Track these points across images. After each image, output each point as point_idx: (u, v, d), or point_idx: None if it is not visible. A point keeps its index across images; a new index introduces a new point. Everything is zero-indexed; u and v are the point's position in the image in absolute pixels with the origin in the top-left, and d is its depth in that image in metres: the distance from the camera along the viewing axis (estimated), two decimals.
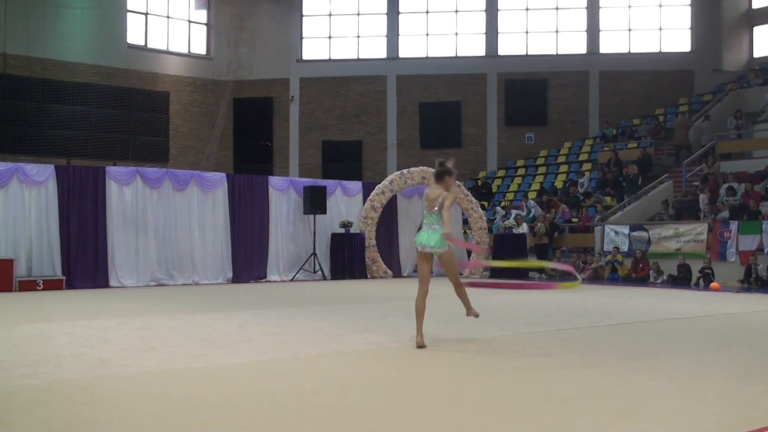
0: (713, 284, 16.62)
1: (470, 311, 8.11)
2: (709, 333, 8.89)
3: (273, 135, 32.22)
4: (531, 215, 23.14)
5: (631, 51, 31.72)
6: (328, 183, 20.28)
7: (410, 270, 21.50)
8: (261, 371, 6.21)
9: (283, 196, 19.38)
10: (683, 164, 23.60)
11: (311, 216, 19.35)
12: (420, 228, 7.88)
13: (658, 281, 18.46)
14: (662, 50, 31.66)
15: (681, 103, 30.33)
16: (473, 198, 21.77)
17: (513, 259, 20.20)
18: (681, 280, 18.17)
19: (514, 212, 23.11)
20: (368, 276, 19.91)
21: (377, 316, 10.33)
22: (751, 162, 23.18)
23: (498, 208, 24.81)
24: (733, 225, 18.47)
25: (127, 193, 16.99)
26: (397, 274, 20.85)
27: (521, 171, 30.66)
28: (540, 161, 30.83)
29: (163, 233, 17.40)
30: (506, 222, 21.52)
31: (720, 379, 5.96)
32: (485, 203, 25.86)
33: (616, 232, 20.58)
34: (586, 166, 27.80)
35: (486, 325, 9.38)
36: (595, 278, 19.70)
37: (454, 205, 21.55)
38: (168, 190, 17.54)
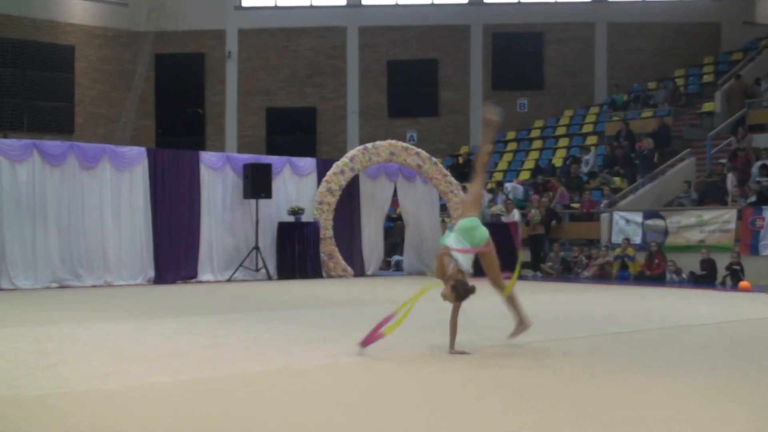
0: (743, 283, 16.90)
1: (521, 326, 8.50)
2: (737, 342, 9.03)
3: (205, 101, 32.02)
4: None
5: None
6: (274, 160, 20.23)
7: (375, 267, 21.56)
8: (189, 393, 6.18)
9: (217, 177, 19.29)
10: (707, 137, 23.92)
11: (253, 201, 19.29)
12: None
13: (677, 280, 18.71)
14: None
15: (705, 63, 30.74)
16: (453, 179, 21.86)
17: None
18: (704, 278, 18.45)
19: (501, 194, 23.26)
20: (324, 275, 19.93)
21: (335, 324, 10.34)
22: None
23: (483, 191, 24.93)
24: (767, 211, 18.76)
25: (21, 172, 16.78)
26: (360, 272, 20.89)
27: (512, 145, 30.88)
28: (535, 133, 31.07)
29: (68, 223, 17.24)
30: (493, 208, 21.62)
31: (750, 397, 6.05)
32: (468, 185, 25.93)
33: (627, 221, 20.82)
34: (591, 140, 28.08)
35: (466, 331, 9.42)
36: (602, 276, 19.92)
37: (430, 187, 21.65)
38: (73, 169, 17.37)
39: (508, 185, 24.83)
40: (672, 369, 7.22)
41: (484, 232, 8.22)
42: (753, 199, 19.82)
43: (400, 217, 23.59)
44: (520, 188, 24.76)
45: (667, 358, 7.78)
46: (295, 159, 20.73)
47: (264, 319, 10.94)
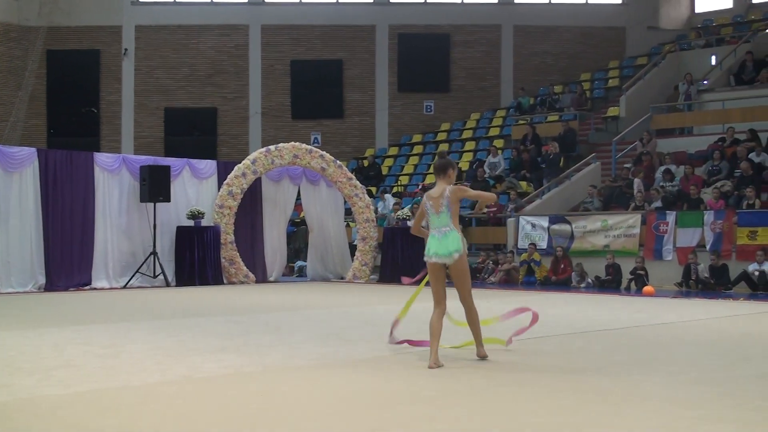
0: (647, 288, 17.37)
1: (481, 350, 8.21)
2: (641, 346, 9.27)
3: (100, 99, 31.42)
4: (386, 211, 23.59)
5: (552, 1, 32.63)
6: (173, 162, 19.99)
7: (278, 273, 21.49)
8: (83, 405, 6.06)
9: (113, 179, 18.97)
10: (612, 142, 24.52)
11: (151, 204, 19.02)
12: (427, 238, 8.11)
13: (582, 285, 19.12)
14: (589, 0, 32.70)
15: (611, 67, 31.50)
16: (358, 182, 21.93)
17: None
18: (609, 283, 18.89)
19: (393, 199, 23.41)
20: (224, 281, 19.79)
21: (236, 333, 10.28)
22: (692, 140, 24.38)
23: (386, 195, 25.10)
24: (671, 216, 19.35)
25: None
26: (262, 278, 20.79)
27: (418, 148, 31.13)
28: (441, 136, 31.38)
29: None
30: (399, 213, 21.76)
31: (654, 402, 6.22)
32: (373, 189, 26.11)
33: (533, 225, 21.19)
34: (498, 143, 28.50)
35: (373, 340, 9.47)
36: (508, 282, 20.22)
37: (335, 191, 21.67)
38: None
39: (387, 196, 24.99)
40: (575, 374, 7.37)
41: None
42: (658, 203, 20.39)
43: (303, 222, 23.54)
44: (389, 200, 24.82)
45: (571, 364, 7.94)
46: (194, 161, 20.51)
47: (162, 328, 10.81)
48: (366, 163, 29.20)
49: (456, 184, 8.17)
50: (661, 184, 21.33)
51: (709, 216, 18.82)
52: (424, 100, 32.40)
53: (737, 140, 22.33)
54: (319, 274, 22.07)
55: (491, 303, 15.36)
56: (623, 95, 27.31)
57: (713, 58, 28.38)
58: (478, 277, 21.21)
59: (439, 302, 8.02)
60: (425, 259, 8.02)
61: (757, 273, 17.50)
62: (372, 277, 21.51)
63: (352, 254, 21.94)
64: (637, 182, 21.62)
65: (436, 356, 7.73)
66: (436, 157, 8.25)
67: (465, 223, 22.74)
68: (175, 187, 19.59)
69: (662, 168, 21.88)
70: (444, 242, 7.86)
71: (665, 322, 11.90)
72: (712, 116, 24.72)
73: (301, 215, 24.10)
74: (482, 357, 8.15)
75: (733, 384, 6.94)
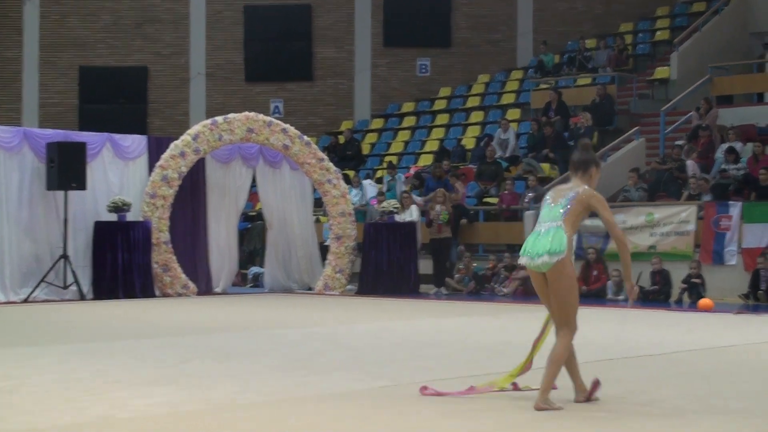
0: (703, 301, 17.39)
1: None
2: (694, 377, 9.31)
3: None
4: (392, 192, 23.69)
5: None
6: (90, 138, 19.93)
7: (227, 283, 21.47)
8: None
9: (11, 160, 18.93)
10: (661, 112, 24.52)
11: (60, 193, 18.97)
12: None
13: (620, 297, 19.17)
14: None
15: (659, 15, 31.49)
16: (331, 165, 21.90)
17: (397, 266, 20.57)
18: (656, 294, 18.92)
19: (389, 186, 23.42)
20: (157, 293, 19.77)
21: (172, 360, 10.27)
22: (763, 110, 24.35)
23: (367, 181, 25.09)
24: (735, 208, 19.38)
25: None
26: (206, 289, 20.79)
27: (409, 120, 31.13)
28: (440, 105, 31.39)
29: None
30: (384, 204, 21.76)
31: None
32: (351, 173, 26.10)
33: None
34: (512, 114, 28.52)
35: (351, 369, 9.49)
36: (525, 294, 20.20)
37: (301, 175, 21.68)
38: None
39: (365, 182, 25.00)
40: (614, 414, 7.41)
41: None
42: (718, 192, 20.41)
43: (260, 216, 23.52)
44: (374, 188, 24.83)
45: (608, 400, 7.97)
46: (118, 137, 20.44)
47: (75, 354, 10.76)
48: (342, 139, 29.16)
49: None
50: (723, 167, 21.39)
51: None
52: (418, 58, 32.38)
53: None
54: (279, 283, 22.04)
55: (502, 320, 15.41)
56: (675, 52, 27.35)
57: None
58: (487, 287, 21.26)
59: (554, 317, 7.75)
60: (522, 261, 7.78)
61: None
62: (349, 287, 21.50)
63: (324, 258, 21.93)
64: (691, 164, 21.69)
65: (581, 384, 7.72)
66: (578, 150, 7.94)
67: (470, 217, 22.78)
68: (93, 171, 19.51)
69: (724, 146, 21.95)
70: (542, 240, 7.56)
71: (726, 345, 11.93)
72: None
73: (257, 207, 24.07)
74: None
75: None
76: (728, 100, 25.55)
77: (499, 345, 11.83)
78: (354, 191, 24.08)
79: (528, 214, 21.86)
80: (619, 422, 7.07)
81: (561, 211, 7.60)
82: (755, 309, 17.34)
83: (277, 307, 18.22)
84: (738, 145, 21.82)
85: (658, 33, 30.63)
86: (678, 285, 18.95)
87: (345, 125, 30.89)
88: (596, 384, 7.79)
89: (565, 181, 8.55)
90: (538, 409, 7.39)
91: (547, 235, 7.54)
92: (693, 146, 22.61)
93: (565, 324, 7.65)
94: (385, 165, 27.03)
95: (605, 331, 13.44)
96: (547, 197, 7.83)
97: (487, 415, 7.35)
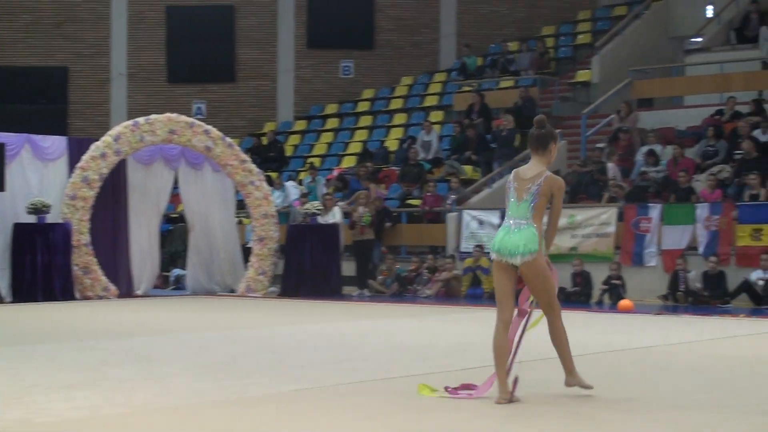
0: (623, 302, 17.60)
1: (573, 378, 8.21)
2: (615, 378, 9.43)
3: None
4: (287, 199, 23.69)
5: None
6: (8, 139, 19.68)
7: (148, 285, 21.33)
8: None
9: None
10: (582, 115, 24.75)
11: None
12: (500, 227, 8.13)
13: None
14: None
15: (581, 19, 31.76)
16: (254, 166, 21.84)
17: (319, 265, 20.56)
18: (576, 296, 19.11)
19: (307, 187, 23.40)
20: (77, 295, 19.56)
21: (92, 363, 10.19)
22: (682, 113, 24.69)
23: (290, 183, 25.04)
24: (655, 211, 19.64)
25: None
26: (127, 291, 20.63)
27: (333, 122, 31.12)
28: (363, 107, 31.40)
29: None
30: (307, 206, 21.75)
31: None
32: (273, 175, 26.03)
33: (481, 222, 21.36)
34: (435, 116, 28.60)
35: (274, 371, 9.48)
36: (448, 295, 20.35)
37: (223, 177, 21.61)
38: None
39: (287, 184, 24.93)
40: (528, 414, 7.48)
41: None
42: (638, 194, 20.62)
43: (182, 218, 23.37)
44: (294, 190, 24.75)
45: (525, 400, 8.04)
46: (37, 137, 20.21)
47: None
48: (265, 141, 29.07)
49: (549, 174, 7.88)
50: (643, 169, 21.64)
51: (702, 210, 19.16)
52: (341, 60, 32.38)
53: (738, 113, 22.74)
54: (202, 285, 21.92)
55: (425, 322, 15.46)
56: (596, 55, 27.64)
57: (709, 9, 28.89)
58: (410, 288, 21.32)
59: (503, 309, 8.00)
60: (491, 255, 8.01)
61: (762, 282, 17.87)
62: (271, 289, 21.44)
63: (246, 260, 21.85)
64: (612, 167, 21.92)
65: (505, 386, 7.77)
66: (534, 126, 8.10)
67: (393, 219, 22.84)
68: (12, 172, 19.27)
69: (645, 149, 22.20)
70: (513, 237, 7.83)
71: (648, 346, 12.10)
72: (707, 83, 25.10)
73: (179, 209, 23.92)
74: (573, 385, 8.17)
75: (735, 418, 7.12)
76: (648, 103, 25.84)
77: (422, 347, 11.86)
78: (277, 193, 23.96)
79: (450, 216, 22.00)
80: (536, 423, 7.14)
81: (529, 207, 7.86)
82: (674, 310, 17.58)
83: (199, 309, 18.13)
84: (658, 148, 22.08)
85: (580, 36, 30.90)
86: (599, 286, 19.15)
87: (268, 127, 30.80)
88: (514, 382, 7.93)
89: (526, 160, 8.70)
90: (569, 385, 8.17)
91: (518, 233, 7.84)
92: (614, 149, 22.86)
93: (549, 307, 8.14)
94: (308, 167, 26.99)
95: (527, 332, 13.50)
96: (511, 186, 8.00)
97: (439, 413, 7.37)
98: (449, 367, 9.99)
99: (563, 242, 20.28)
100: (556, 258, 20.06)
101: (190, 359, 10.62)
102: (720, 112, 23.29)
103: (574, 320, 15.38)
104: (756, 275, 18.01)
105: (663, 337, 13.06)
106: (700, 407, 7.81)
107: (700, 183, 20.51)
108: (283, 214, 23.36)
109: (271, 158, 28.01)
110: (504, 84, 28.57)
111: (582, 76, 28.02)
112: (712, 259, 18.47)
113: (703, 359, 10.94)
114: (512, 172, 8.15)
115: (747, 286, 17.97)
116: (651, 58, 27.30)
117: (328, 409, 7.62)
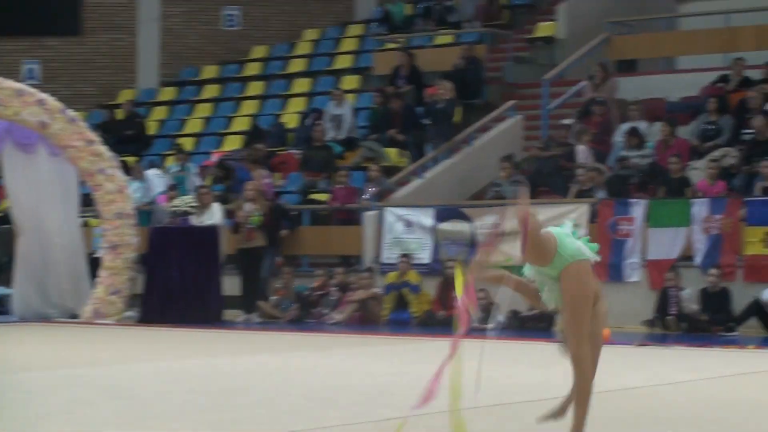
0: None
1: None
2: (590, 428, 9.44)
3: None
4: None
5: None
6: None
7: None
8: None
9: None
10: (543, 81, 24.72)
11: None
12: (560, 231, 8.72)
13: (489, 326, 19.32)
14: None
15: None
16: (105, 149, 21.65)
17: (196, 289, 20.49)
18: (536, 322, 19.15)
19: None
20: None
21: None
22: (674, 79, 24.81)
23: (152, 171, 24.89)
24: (638, 208, 19.74)
25: None
26: None
27: (212, 90, 31.03)
28: (252, 69, 31.34)
29: None
30: (176, 202, 21.63)
31: None
32: (131, 160, 25.87)
33: (408, 224, 21.34)
34: (350, 82, 28.59)
35: (135, 423, 9.40)
36: (364, 320, 20.31)
37: (64, 163, 21.45)
38: None
39: (150, 173, 24.82)
40: None
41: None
42: (616, 186, 20.73)
43: (6, 218, 23.15)
44: (155, 181, 24.69)
45: None
46: None
47: None
48: (120, 114, 28.90)
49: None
50: (623, 153, 21.73)
51: (700, 208, 19.31)
52: (224, 7, 32.25)
53: (748, 80, 22.93)
54: (33, 309, 21.72)
55: (333, 358, 15.41)
56: (563, 2, 27.70)
57: None
58: (314, 312, 21.25)
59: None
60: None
61: None
62: (128, 314, 21.30)
63: (94, 275, 21.68)
64: (582, 150, 21.98)
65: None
66: None
67: (292, 220, 22.73)
68: None
69: (625, 126, 22.28)
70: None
71: (624, 388, 12.14)
72: (707, 40, 25.31)
73: (3, 206, 23.69)
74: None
75: None
76: (631, 66, 25.97)
77: (329, 390, 11.78)
78: (135, 185, 23.83)
79: (368, 216, 21.90)
80: None
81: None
82: (663, 340, 17.66)
83: (29, 341, 17.95)
84: (643, 125, 22.16)
85: None
86: None
87: (124, 96, 30.57)
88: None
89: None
90: None
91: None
92: (585, 126, 22.89)
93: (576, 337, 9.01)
94: (177, 151, 26.79)
95: (468, 372, 13.51)
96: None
97: None
98: (364, 416, 9.93)
99: (516, 250, 20.27)
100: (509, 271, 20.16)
101: (11, 408, 10.44)
102: (724, 79, 23.41)
103: (529, 355, 15.46)
104: None
105: (647, 376, 13.13)
106: None
107: (698, 172, 20.60)
108: (144, 213, 23.19)
109: (128, 138, 27.80)
110: (440, 40, 28.64)
111: (544, 29, 28.11)
112: (713, 272, 18.59)
113: (700, 405, 10.99)
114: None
115: (757, 308, 18.10)
116: (634, 8, 27.42)
117: None
